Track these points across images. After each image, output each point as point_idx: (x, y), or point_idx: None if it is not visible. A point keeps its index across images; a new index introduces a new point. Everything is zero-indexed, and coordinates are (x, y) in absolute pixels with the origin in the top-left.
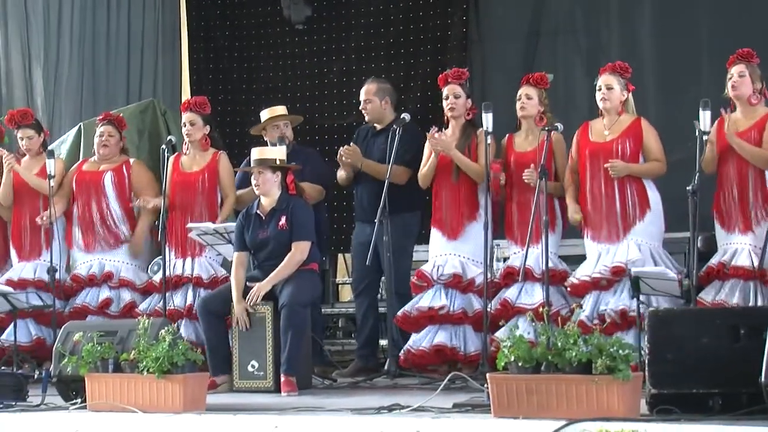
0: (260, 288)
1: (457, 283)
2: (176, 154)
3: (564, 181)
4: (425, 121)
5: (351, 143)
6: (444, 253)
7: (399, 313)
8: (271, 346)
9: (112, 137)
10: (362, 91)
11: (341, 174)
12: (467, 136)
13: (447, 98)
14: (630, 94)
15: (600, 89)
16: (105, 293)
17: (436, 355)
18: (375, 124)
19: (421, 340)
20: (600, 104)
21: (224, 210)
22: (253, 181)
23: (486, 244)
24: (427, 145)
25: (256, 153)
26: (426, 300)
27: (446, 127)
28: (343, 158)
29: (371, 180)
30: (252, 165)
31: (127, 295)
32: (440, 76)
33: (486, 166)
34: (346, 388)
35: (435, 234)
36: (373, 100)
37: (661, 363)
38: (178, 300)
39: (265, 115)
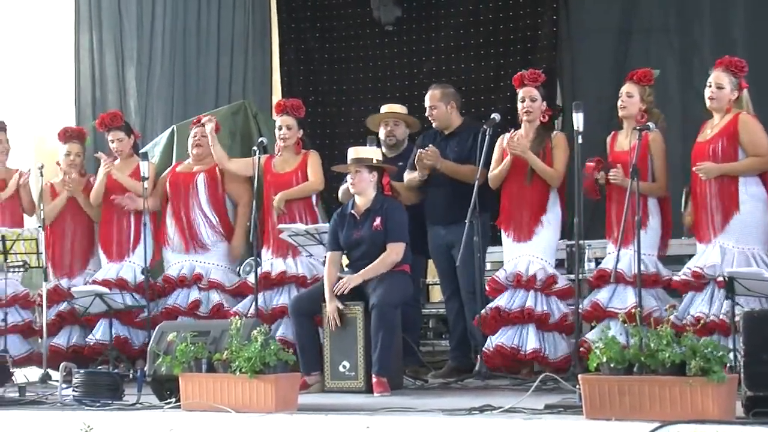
0: (350, 279)
1: (529, 283)
2: (267, 155)
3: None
4: (516, 120)
5: (429, 145)
6: (516, 256)
7: (479, 314)
8: (362, 347)
9: (205, 137)
10: (427, 98)
11: (414, 176)
12: (542, 139)
13: (523, 101)
14: (745, 92)
15: (710, 86)
16: (195, 294)
17: (512, 356)
18: (443, 129)
19: (497, 341)
20: (707, 102)
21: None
22: (349, 180)
23: (574, 244)
24: (498, 146)
25: (352, 152)
26: (503, 301)
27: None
28: (423, 160)
29: (445, 182)
30: (349, 163)
31: (215, 297)
32: (516, 76)
33: (577, 166)
34: (438, 389)
35: (504, 236)
36: (438, 106)
37: (757, 364)
38: (281, 299)
39: (382, 110)
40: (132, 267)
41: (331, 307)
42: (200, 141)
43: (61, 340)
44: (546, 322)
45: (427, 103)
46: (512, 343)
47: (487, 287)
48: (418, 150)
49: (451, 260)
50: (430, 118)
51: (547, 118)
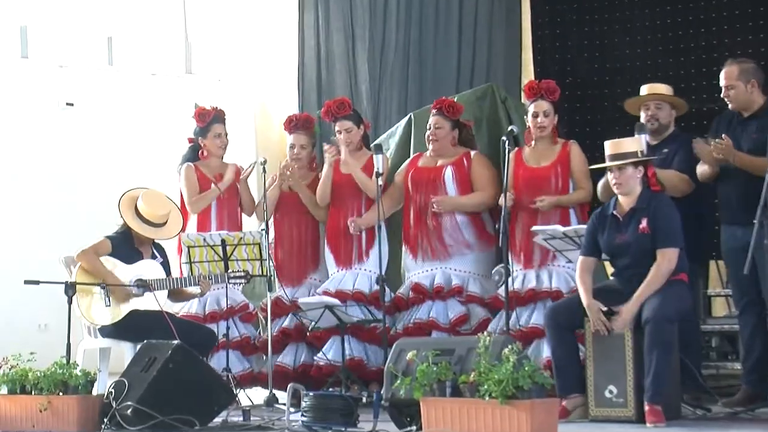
0: (626, 313)
1: None
2: (517, 147)
3: None
4: None
5: (723, 135)
6: None
7: None
8: (632, 369)
9: (440, 129)
10: (722, 76)
11: (704, 170)
12: None
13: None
14: None
15: None
16: (457, 308)
17: None
18: (742, 111)
19: None
20: None
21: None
22: (611, 180)
23: None
24: None
25: (610, 147)
26: None
27: None
28: (714, 153)
29: (740, 176)
30: (608, 161)
31: (480, 312)
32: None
33: None
34: (723, 420)
35: None
36: (736, 85)
37: None
38: (534, 317)
39: (643, 91)
40: (367, 275)
41: (593, 310)
42: (435, 134)
43: (287, 358)
44: None
45: (722, 81)
46: None
47: None
48: (711, 140)
49: (750, 267)
50: (726, 99)
51: None
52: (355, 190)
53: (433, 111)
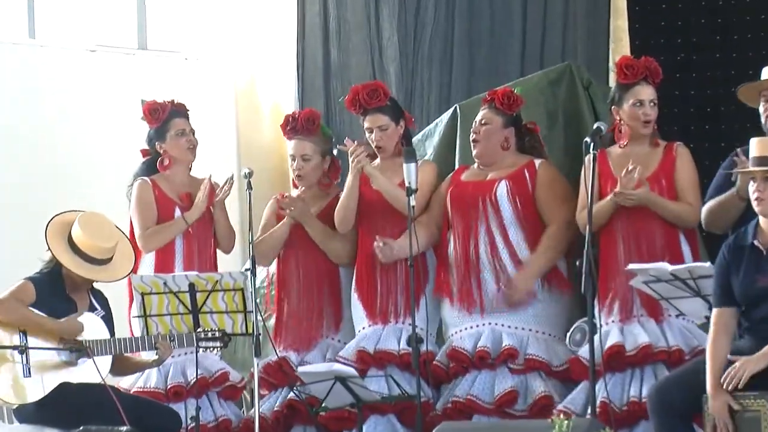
0: (746, 366)
1: None
2: (601, 149)
3: None
4: None
5: None
6: None
7: None
8: None
9: (488, 125)
10: None
11: None
12: None
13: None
14: None
15: None
16: (508, 382)
17: None
18: None
19: None
20: None
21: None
22: (753, 195)
23: None
24: None
25: (758, 147)
26: None
27: None
28: None
29: None
30: (751, 164)
31: (539, 385)
32: None
33: None
34: None
35: None
36: None
37: None
38: (635, 387)
39: (764, 75)
40: (406, 332)
41: (718, 403)
42: (478, 130)
43: None
44: None
45: None
46: None
47: None
48: None
49: None
50: None
51: None
52: (386, 208)
53: (487, 105)
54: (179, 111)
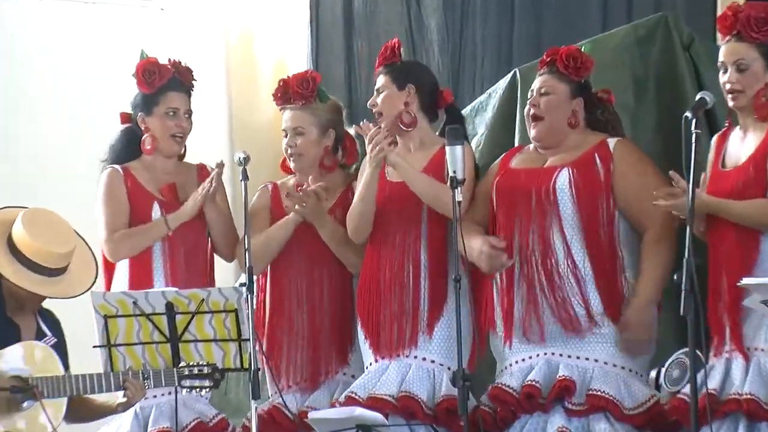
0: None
1: None
2: (719, 133)
3: None
4: None
5: None
6: None
7: None
8: None
9: (549, 96)
10: None
11: None
12: None
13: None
14: None
15: None
16: (558, 422)
17: None
18: None
19: None
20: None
21: None
22: None
23: None
24: None
25: None
26: None
27: None
28: None
29: None
30: None
31: (602, 429)
32: None
33: None
34: None
35: None
36: None
37: None
38: None
39: None
40: (427, 370)
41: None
42: (537, 101)
43: None
44: None
45: None
46: None
47: None
48: None
49: None
50: None
51: None
52: (408, 217)
53: (546, 67)
54: (181, 83)
